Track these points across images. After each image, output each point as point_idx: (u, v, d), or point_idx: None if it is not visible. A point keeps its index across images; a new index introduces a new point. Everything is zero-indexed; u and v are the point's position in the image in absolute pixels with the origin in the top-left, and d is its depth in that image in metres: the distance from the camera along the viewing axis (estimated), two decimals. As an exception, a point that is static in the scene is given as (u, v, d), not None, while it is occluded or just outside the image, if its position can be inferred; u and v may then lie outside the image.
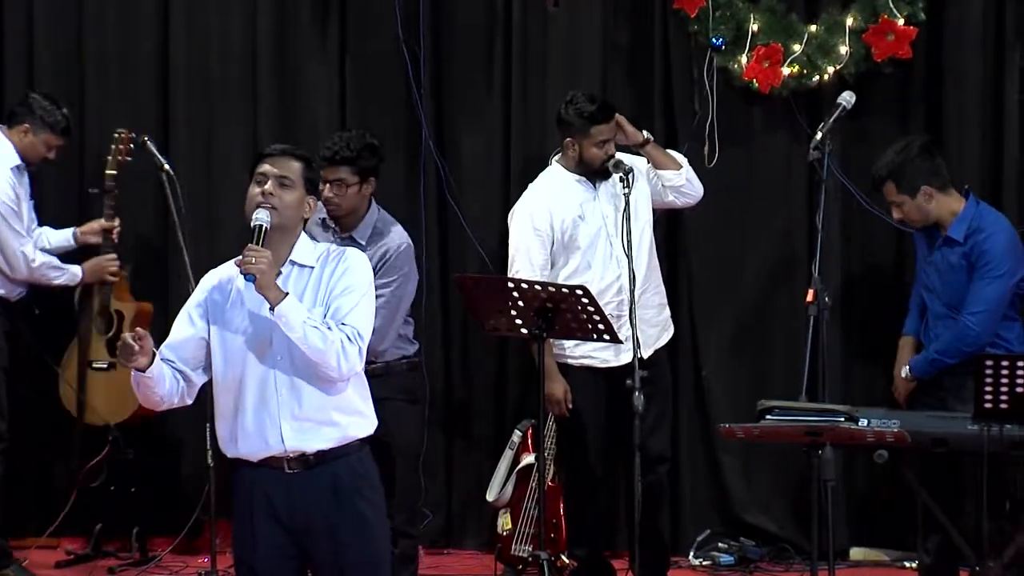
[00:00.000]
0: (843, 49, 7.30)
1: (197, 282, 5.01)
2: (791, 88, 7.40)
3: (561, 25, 7.64)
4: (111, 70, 7.91)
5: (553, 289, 6.30)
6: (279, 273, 4.77)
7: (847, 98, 6.60)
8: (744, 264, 7.67)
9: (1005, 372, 5.68)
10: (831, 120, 6.50)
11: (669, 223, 7.52)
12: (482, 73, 7.79)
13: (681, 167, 6.90)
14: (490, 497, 7.05)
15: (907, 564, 7.32)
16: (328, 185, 6.34)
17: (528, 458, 6.95)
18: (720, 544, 7.59)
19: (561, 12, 7.58)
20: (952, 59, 7.42)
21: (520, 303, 6.30)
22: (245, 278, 4.70)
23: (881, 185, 6.45)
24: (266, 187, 4.78)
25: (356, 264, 4.86)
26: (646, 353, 6.62)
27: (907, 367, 6.53)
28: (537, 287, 6.29)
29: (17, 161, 7.26)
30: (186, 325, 4.87)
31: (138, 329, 4.70)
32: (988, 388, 5.69)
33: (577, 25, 7.64)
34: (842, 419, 5.84)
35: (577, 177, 6.77)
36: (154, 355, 4.72)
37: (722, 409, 7.49)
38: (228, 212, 7.55)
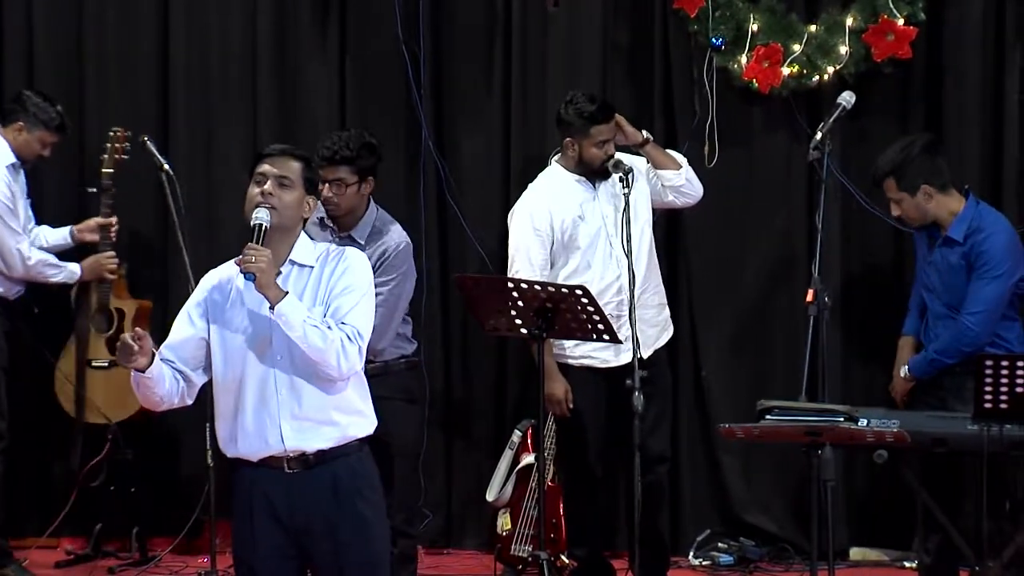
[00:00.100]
0: (843, 49, 7.30)
1: (197, 282, 5.01)
2: (791, 88, 7.40)
3: (561, 25, 7.64)
4: (111, 70, 7.91)
5: (553, 289, 6.30)
6: (279, 273, 4.78)
7: (847, 98, 6.60)
8: (744, 264, 7.67)
9: (1005, 372, 5.67)
10: (831, 120, 6.50)
11: (669, 223, 7.52)
12: (482, 73, 7.79)
13: (681, 167, 6.91)
14: (490, 497, 7.05)
15: (907, 564, 7.32)
16: (327, 185, 6.34)
17: (528, 458, 6.94)
18: (720, 544, 7.60)
19: (561, 12, 7.58)
20: (952, 59, 7.42)
21: (520, 303, 6.30)
22: (245, 277, 4.70)
23: (882, 181, 6.45)
24: (265, 187, 4.78)
25: (356, 264, 4.87)
26: (646, 353, 6.62)
27: (906, 367, 6.53)
28: (537, 287, 6.29)
29: (12, 159, 7.27)
30: (186, 325, 4.87)
31: (137, 329, 4.70)
32: (988, 388, 5.69)
33: (577, 25, 7.64)
34: (842, 419, 5.83)
35: (577, 177, 6.78)
36: (153, 355, 4.72)
37: (722, 409, 7.49)
38: (228, 212, 7.56)
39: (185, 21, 7.86)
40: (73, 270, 7.37)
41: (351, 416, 4.85)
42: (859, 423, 5.82)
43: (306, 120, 7.80)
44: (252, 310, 4.79)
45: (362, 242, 6.38)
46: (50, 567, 7.50)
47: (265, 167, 4.82)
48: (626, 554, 7.04)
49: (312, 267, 4.85)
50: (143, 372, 4.70)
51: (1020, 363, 5.68)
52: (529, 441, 6.99)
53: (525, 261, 6.69)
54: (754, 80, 7.38)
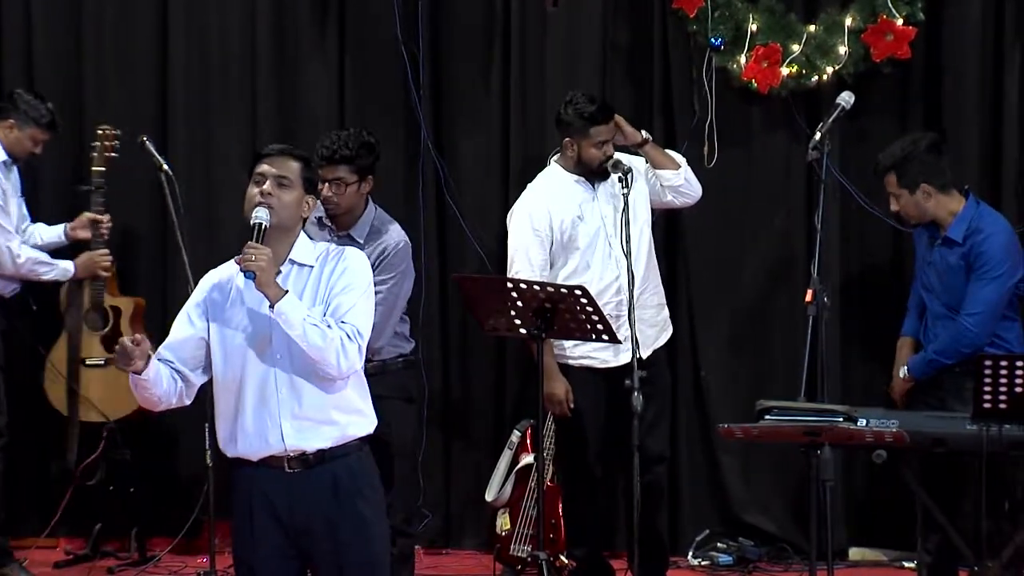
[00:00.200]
0: (842, 49, 7.30)
1: (196, 282, 5.01)
2: (790, 88, 7.40)
3: (560, 25, 7.64)
4: (109, 69, 7.91)
5: (552, 289, 6.29)
6: (278, 272, 4.78)
7: (846, 98, 6.60)
8: (743, 264, 7.67)
9: (1004, 372, 5.67)
10: (830, 120, 6.50)
11: (668, 223, 7.52)
12: (481, 73, 7.79)
13: (680, 167, 6.91)
14: (489, 497, 7.05)
15: (906, 564, 7.33)
16: (327, 184, 6.34)
17: (527, 458, 6.94)
18: (719, 544, 7.60)
19: (560, 12, 7.58)
20: (951, 59, 7.42)
21: (519, 303, 6.29)
22: (245, 275, 4.70)
23: (883, 175, 6.45)
24: (265, 187, 4.79)
25: (355, 263, 4.87)
26: (645, 353, 6.62)
27: (905, 367, 6.53)
28: (536, 287, 6.29)
29: (4, 157, 7.27)
30: (185, 325, 4.87)
31: (137, 336, 4.70)
32: (987, 388, 5.69)
33: (576, 25, 7.64)
34: (841, 419, 5.84)
35: (576, 177, 6.77)
36: (149, 357, 4.71)
37: (721, 409, 7.49)
38: (227, 212, 7.56)
39: (184, 21, 7.85)
40: (66, 267, 7.35)
41: (351, 415, 4.85)
42: (858, 423, 5.83)
43: (305, 120, 7.80)
44: (252, 309, 4.79)
45: (361, 241, 6.38)
46: (49, 567, 7.50)
47: (264, 167, 4.82)
48: (625, 554, 7.03)
49: (312, 267, 4.85)
50: (140, 375, 4.70)
51: (1019, 363, 5.68)
52: (528, 441, 6.99)
53: (524, 261, 6.69)
54: (753, 80, 7.38)
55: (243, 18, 7.84)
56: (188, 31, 7.86)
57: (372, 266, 5.20)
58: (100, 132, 7.43)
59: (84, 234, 7.43)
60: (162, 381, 4.78)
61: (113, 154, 7.41)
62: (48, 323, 7.56)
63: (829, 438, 5.78)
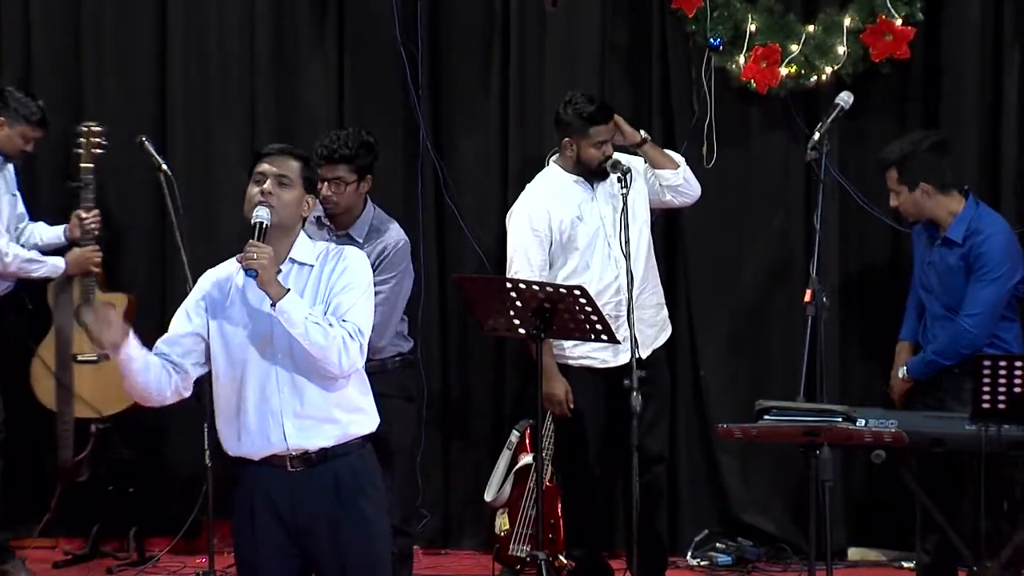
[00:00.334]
0: (841, 49, 7.30)
1: (195, 282, 5.00)
2: (789, 88, 7.40)
3: (559, 25, 7.64)
4: (108, 69, 7.90)
5: (551, 289, 6.29)
6: (279, 271, 4.78)
7: (845, 98, 6.61)
8: (742, 264, 7.68)
9: (1003, 372, 5.68)
10: (829, 120, 6.50)
11: (667, 223, 7.52)
12: (480, 73, 7.79)
13: (679, 167, 6.91)
14: (488, 497, 7.05)
15: (904, 564, 7.32)
16: (326, 183, 6.34)
17: (526, 458, 6.94)
18: (718, 544, 7.60)
19: (559, 12, 7.58)
20: (950, 59, 7.42)
21: (518, 303, 6.29)
22: (246, 274, 4.71)
23: (886, 170, 6.46)
24: (265, 186, 4.79)
25: (355, 262, 4.87)
26: (644, 353, 6.61)
27: (904, 367, 6.53)
28: (535, 287, 6.29)
29: None
30: (184, 321, 4.87)
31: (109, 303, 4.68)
32: (986, 388, 5.69)
33: (575, 25, 7.64)
34: (840, 419, 5.84)
35: (575, 177, 6.77)
36: (134, 342, 4.69)
37: (720, 409, 7.49)
38: (226, 212, 7.55)
39: (183, 20, 7.85)
40: (56, 264, 7.33)
41: (353, 414, 4.86)
42: (857, 423, 5.83)
43: (304, 120, 7.80)
44: (253, 308, 4.79)
45: (360, 240, 6.38)
46: (48, 567, 7.50)
47: (264, 166, 4.83)
48: (624, 554, 7.03)
49: (312, 265, 4.86)
50: (119, 355, 4.67)
51: (1018, 363, 5.69)
52: (527, 441, 6.98)
53: (524, 262, 6.69)
54: (752, 80, 7.38)
55: (242, 18, 7.84)
56: (187, 31, 7.86)
57: (372, 266, 5.21)
58: (84, 129, 7.41)
59: (79, 232, 7.42)
60: (150, 370, 4.76)
61: (100, 150, 7.40)
62: (43, 321, 7.54)
63: (828, 438, 5.79)
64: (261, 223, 4.75)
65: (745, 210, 7.65)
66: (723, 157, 7.52)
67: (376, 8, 7.72)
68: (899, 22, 7.25)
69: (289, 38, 7.84)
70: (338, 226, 6.46)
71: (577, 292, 6.24)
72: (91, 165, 7.39)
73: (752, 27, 7.37)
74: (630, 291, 6.42)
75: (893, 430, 5.77)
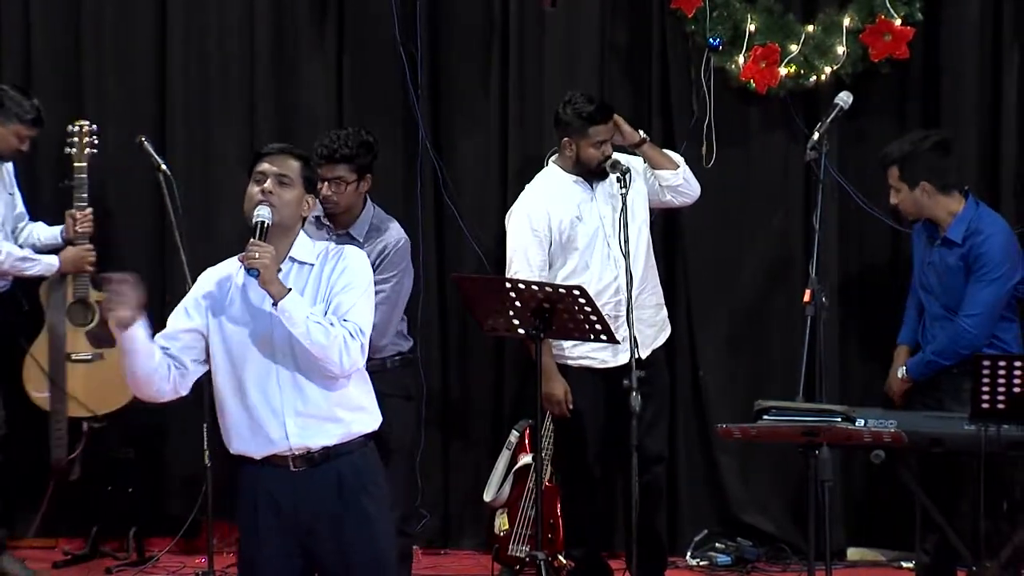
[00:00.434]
0: (840, 49, 7.30)
1: (194, 282, 5.00)
2: (788, 88, 7.40)
3: (558, 25, 7.63)
4: (108, 69, 7.90)
5: (550, 289, 6.29)
6: (279, 270, 4.78)
7: (844, 98, 6.61)
8: (741, 264, 7.67)
9: (1002, 372, 5.68)
10: (828, 120, 6.51)
11: (666, 223, 7.52)
12: (479, 73, 7.79)
13: (678, 167, 6.91)
14: (487, 497, 7.05)
15: (904, 564, 7.32)
16: (326, 183, 6.34)
17: (526, 458, 6.94)
18: (717, 544, 7.60)
19: (558, 12, 7.57)
20: (949, 59, 7.42)
21: (517, 303, 6.29)
22: (248, 273, 4.71)
23: (888, 166, 6.46)
24: (265, 186, 4.80)
25: (355, 262, 4.88)
26: (643, 353, 6.62)
27: (903, 367, 6.54)
28: (534, 287, 6.29)
29: None
30: (183, 318, 4.87)
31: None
32: (985, 388, 5.70)
33: (574, 25, 7.64)
34: (839, 419, 5.84)
35: (574, 178, 6.78)
36: (143, 324, 4.67)
37: (719, 409, 7.49)
38: (225, 212, 7.55)
39: (183, 20, 7.85)
40: (50, 262, 7.31)
41: (354, 413, 4.87)
42: (856, 423, 5.83)
43: (304, 120, 7.79)
44: (253, 307, 4.80)
45: (360, 239, 6.39)
46: (48, 567, 7.50)
47: (265, 166, 4.83)
48: (623, 554, 7.03)
49: (312, 265, 4.86)
50: (128, 329, 4.63)
51: (1017, 363, 5.69)
52: (527, 441, 6.99)
53: (523, 262, 6.69)
54: (751, 80, 7.38)
55: (242, 18, 7.84)
56: (187, 31, 7.85)
57: (373, 265, 5.21)
58: (76, 128, 7.41)
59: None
60: (153, 356, 4.74)
61: (93, 150, 7.39)
62: (37, 322, 7.53)
63: (827, 438, 5.79)
64: (262, 222, 4.75)
65: (745, 210, 7.65)
66: (722, 157, 7.52)
67: (376, 8, 7.71)
68: (898, 22, 7.25)
69: (289, 38, 7.84)
70: (338, 225, 6.47)
71: (576, 292, 6.24)
72: (84, 164, 7.38)
73: (751, 27, 7.37)
74: (629, 291, 6.42)
75: (892, 430, 5.77)
